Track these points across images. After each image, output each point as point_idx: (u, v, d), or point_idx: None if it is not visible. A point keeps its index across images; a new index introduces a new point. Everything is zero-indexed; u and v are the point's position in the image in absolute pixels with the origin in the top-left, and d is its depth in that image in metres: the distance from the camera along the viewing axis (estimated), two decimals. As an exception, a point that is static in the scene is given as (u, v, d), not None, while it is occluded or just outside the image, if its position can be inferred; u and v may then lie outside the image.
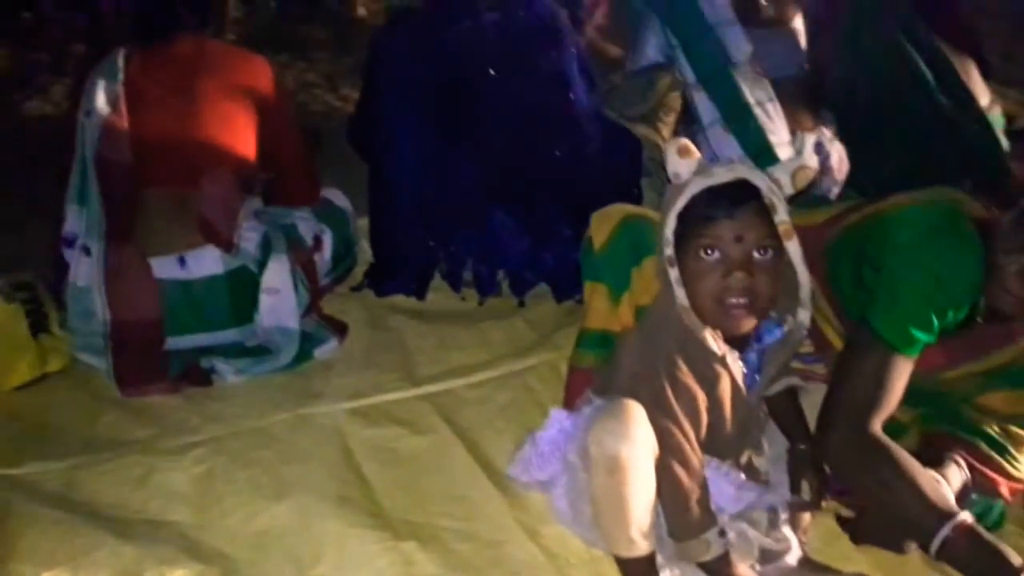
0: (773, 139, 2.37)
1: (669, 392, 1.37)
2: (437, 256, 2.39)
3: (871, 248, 1.51)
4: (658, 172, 2.43)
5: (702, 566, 1.41)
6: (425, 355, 2.18)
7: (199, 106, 2.12)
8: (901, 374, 1.43)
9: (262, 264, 2.11)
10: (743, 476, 1.51)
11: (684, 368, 1.38)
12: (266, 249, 2.13)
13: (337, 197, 2.49)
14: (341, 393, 2.02)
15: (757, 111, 2.37)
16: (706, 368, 1.40)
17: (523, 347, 2.20)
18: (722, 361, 1.40)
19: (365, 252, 2.51)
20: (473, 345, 2.22)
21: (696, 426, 1.40)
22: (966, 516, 1.35)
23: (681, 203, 1.36)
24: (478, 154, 2.28)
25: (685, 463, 1.37)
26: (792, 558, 1.51)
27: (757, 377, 1.47)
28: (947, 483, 1.48)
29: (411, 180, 2.32)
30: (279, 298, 2.11)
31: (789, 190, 1.38)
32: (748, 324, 1.39)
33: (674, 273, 1.37)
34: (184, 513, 1.69)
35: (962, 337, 1.47)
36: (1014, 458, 1.55)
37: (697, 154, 1.38)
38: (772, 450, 1.61)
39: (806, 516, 1.57)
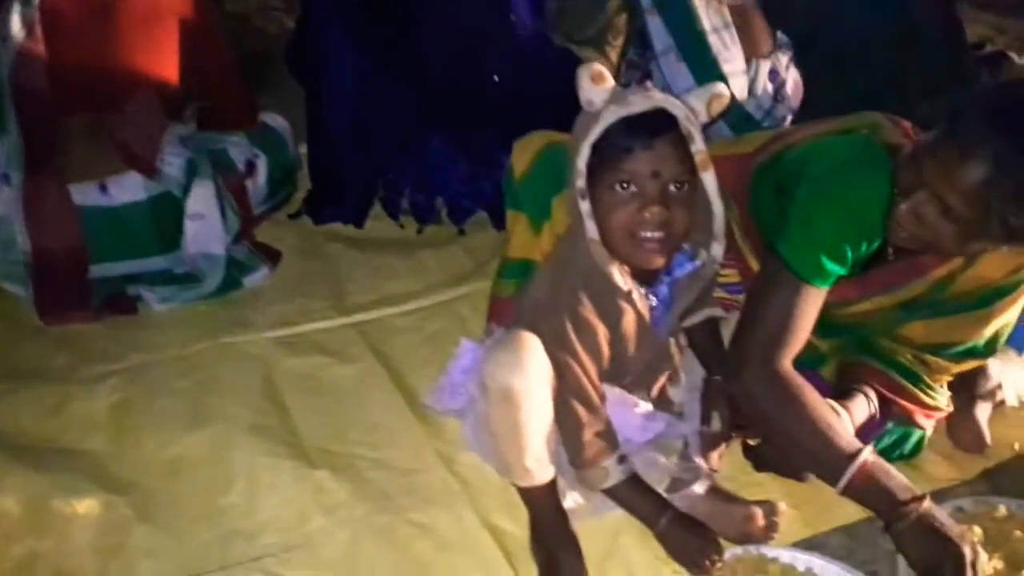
0: (727, 69, 2.29)
1: (569, 327, 1.33)
2: (375, 183, 2.34)
3: (788, 179, 1.47)
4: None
5: (606, 492, 1.40)
6: (358, 283, 2.15)
7: (117, 30, 2.03)
8: (811, 306, 1.39)
9: (187, 189, 2.06)
10: (651, 406, 1.49)
11: (587, 303, 1.35)
12: (191, 174, 2.07)
13: (276, 122, 2.42)
14: (267, 321, 2.00)
15: (712, 39, 2.27)
16: (610, 303, 1.36)
17: (458, 275, 2.17)
18: (627, 297, 1.36)
19: (307, 179, 2.45)
20: (408, 273, 2.19)
21: (597, 360, 1.37)
22: (868, 455, 1.33)
23: (595, 133, 1.29)
24: (415, 78, 2.22)
25: (582, 396, 1.35)
26: (700, 487, 1.50)
27: (668, 310, 1.44)
28: (850, 417, 1.47)
29: (347, 104, 2.25)
30: (204, 224, 2.06)
31: (704, 117, 1.32)
32: (660, 259, 1.34)
33: (585, 206, 1.32)
34: (98, 442, 1.67)
35: (874, 270, 1.43)
36: (928, 387, 1.54)
37: (611, 80, 1.31)
38: (689, 380, 1.59)
39: (720, 446, 1.56)
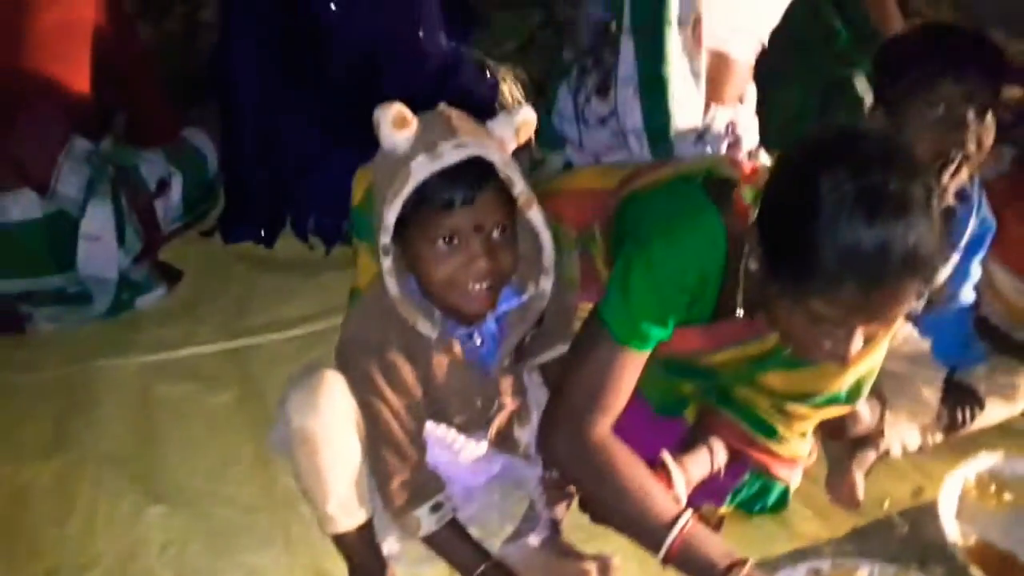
0: (678, 126, 2.13)
1: (375, 368, 1.26)
2: (285, 202, 2.29)
3: (625, 230, 1.39)
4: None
5: (423, 540, 1.33)
6: (256, 305, 2.11)
7: (22, 44, 2.02)
8: (630, 368, 1.31)
9: (85, 209, 2.03)
10: (484, 448, 1.41)
11: (394, 345, 1.27)
12: (89, 193, 2.04)
13: (198, 138, 2.39)
14: (148, 344, 1.96)
15: (674, 87, 2.10)
16: (420, 346, 1.29)
17: (358, 299, 2.11)
18: (438, 345, 1.29)
19: (226, 198, 2.42)
20: (309, 296, 2.14)
21: (410, 401, 1.29)
22: (685, 522, 1.25)
23: (408, 189, 1.19)
24: (320, 93, 2.17)
25: (392, 442, 1.28)
26: (536, 538, 1.41)
27: (498, 346, 1.36)
28: (685, 474, 1.38)
29: (253, 120, 2.22)
30: (99, 245, 2.03)
31: (513, 144, 1.25)
32: (489, 305, 1.27)
33: (387, 263, 1.23)
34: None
35: (722, 322, 1.33)
36: (783, 439, 1.43)
37: (414, 122, 1.22)
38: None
39: (564, 493, 1.47)
